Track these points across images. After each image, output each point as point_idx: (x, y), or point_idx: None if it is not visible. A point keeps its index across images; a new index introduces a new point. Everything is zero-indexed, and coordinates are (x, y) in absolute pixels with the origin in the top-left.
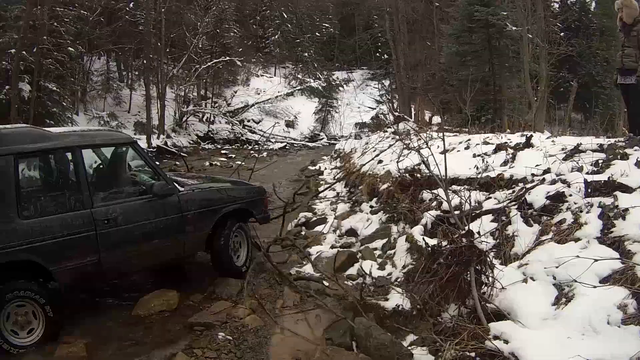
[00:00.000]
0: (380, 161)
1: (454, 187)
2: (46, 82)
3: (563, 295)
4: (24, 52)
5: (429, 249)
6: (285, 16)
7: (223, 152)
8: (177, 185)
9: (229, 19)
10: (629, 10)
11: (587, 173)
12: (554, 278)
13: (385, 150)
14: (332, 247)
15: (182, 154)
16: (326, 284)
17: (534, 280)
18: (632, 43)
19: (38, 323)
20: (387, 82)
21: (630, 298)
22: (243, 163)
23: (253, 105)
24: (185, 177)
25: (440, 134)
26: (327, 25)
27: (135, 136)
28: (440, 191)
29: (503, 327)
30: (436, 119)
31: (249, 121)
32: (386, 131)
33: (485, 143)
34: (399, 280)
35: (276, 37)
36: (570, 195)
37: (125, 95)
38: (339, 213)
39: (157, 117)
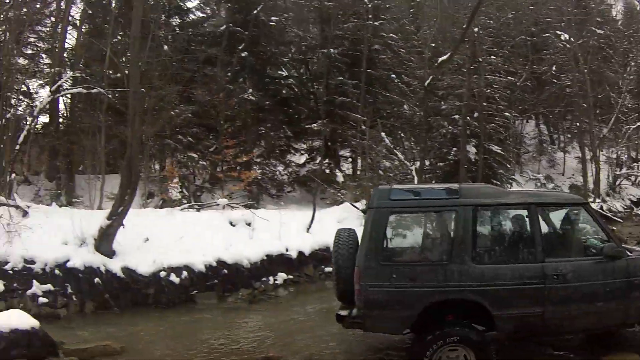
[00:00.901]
0: None
1: None
2: (490, 145)
3: None
4: (468, 118)
5: None
6: None
7: None
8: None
9: None
10: None
11: None
12: None
13: None
14: None
15: (616, 218)
16: None
17: None
18: None
19: None
20: None
21: None
22: None
23: None
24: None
25: None
26: None
27: None
28: None
29: None
30: None
31: None
32: None
33: None
34: None
35: None
36: None
37: (559, 158)
38: None
39: (592, 180)
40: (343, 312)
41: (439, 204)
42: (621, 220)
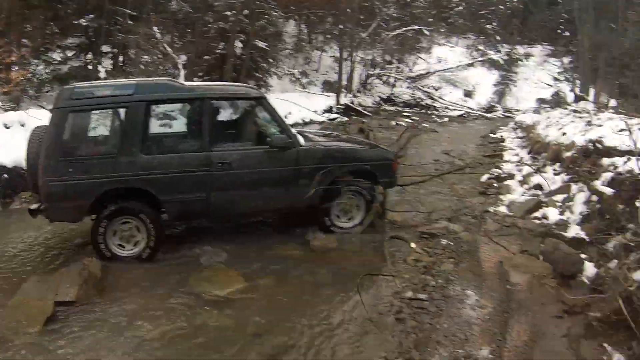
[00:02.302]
0: (564, 133)
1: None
2: (255, 41)
3: None
4: (240, 17)
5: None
6: None
7: (405, 114)
8: (302, 140)
9: None
10: None
11: None
12: None
13: (568, 124)
14: (522, 195)
15: (367, 112)
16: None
17: None
18: None
19: (142, 237)
20: (566, 60)
21: None
22: (428, 125)
23: (434, 72)
24: (320, 135)
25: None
26: None
27: (323, 94)
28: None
29: None
30: (613, 102)
31: (429, 87)
32: (566, 108)
33: None
34: (575, 221)
35: (461, 7)
36: None
37: (315, 56)
38: (525, 173)
39: (346, 78)
40: (34, 206)
41: (115, 101)
42: (370, 114)
